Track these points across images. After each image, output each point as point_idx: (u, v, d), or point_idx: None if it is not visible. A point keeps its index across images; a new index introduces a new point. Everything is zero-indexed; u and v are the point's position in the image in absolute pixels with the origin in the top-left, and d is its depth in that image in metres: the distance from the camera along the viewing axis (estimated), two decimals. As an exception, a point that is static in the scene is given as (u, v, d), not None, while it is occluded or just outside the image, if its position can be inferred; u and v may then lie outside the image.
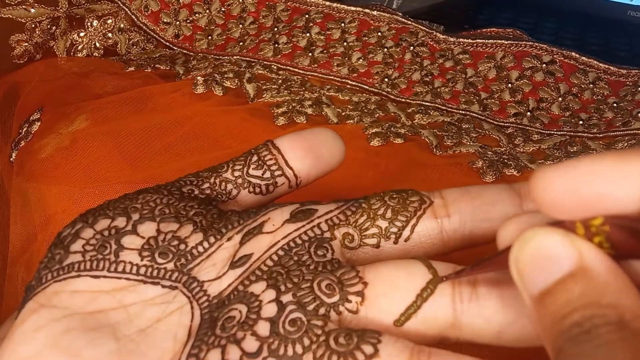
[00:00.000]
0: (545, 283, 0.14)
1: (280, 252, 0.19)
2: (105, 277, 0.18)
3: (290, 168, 0.22)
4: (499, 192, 0.19)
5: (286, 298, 0.17)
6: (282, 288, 0.18)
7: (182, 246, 0.19)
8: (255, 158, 0.22)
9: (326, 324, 0.17)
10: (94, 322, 0.17)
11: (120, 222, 0.19)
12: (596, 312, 0.13)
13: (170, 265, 0.19)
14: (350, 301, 0.17)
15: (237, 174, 0.22)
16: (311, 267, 0.18)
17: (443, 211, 0.19)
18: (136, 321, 0.18)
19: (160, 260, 0.19)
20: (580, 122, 0.42)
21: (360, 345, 0.16)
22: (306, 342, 0.16)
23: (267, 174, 0.22)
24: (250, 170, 0.22)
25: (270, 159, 0.22)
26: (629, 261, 0.14)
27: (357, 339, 0.16)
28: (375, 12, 0.48)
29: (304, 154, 0.22)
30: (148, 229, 0.19)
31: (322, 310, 0.17)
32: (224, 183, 0.22)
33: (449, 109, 0.43)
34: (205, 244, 0.19)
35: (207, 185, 0.22)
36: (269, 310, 0.17)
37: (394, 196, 0.20)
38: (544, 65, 0.44)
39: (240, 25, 0.50)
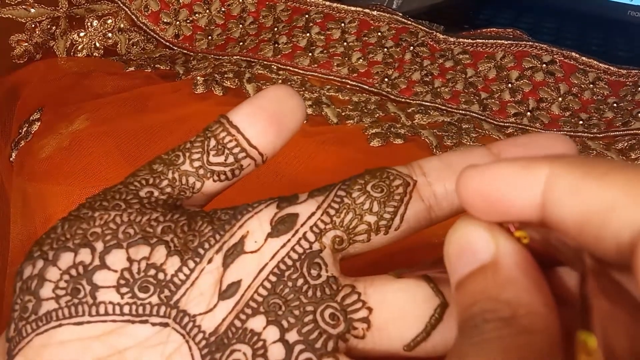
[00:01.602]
0: (462, 273, 0.14)
1: (272, 278, 0.17)
2: (88, 322, 0.17)
3: (254, 147, 0.20)
4: (482, 160, 0.18)
5: (292, 337, 0.17)
6: (285, 324, 0.17)
7: (161, 275, 0.17)
8: (213, 142, 0.20)
9: (338, 359, 0.16)
10: None
11: (85, 255, 0.18)
12: (491, 306, 0.13)
13: (155, 299, 0.17)
14: (356, 328, 0.17)
15: (196, 164, 0.19)
16: (309, 294, 0.17)
17: (428, 190, 0.18)
18: None
19: (142, 295, 0.17)
20: (580, 122, 0.42)
21: None
22: None
23: (231, 159, 0.19)
24: (211, 158, 0.19)
25: (230, 141, 0.19)
26: (557, 268, 0.15)
27: None
28: (375, 12, 0.48)
29: (266, 127, 0.19)
30: (117, 259, 0.18)
31: (330, 345, 0.17)
32: (184, 177, 0.19)
33: (449, 109, 0.43)
34: (186, 270, 0.18)
35: (166, 182, 0.19)
36: (276, 352, 0.16)
37: (377, 184, 0.18)
38: (544, 65, 0.44)
39: (240, 25, 0.50)
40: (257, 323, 0.17)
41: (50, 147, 0.36)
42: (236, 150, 0.20)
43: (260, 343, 0.16)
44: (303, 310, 0.17)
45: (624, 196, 0.12)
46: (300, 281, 0.17)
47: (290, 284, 0.17)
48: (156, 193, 0.19)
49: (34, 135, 0.38)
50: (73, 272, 0.17)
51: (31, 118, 0.39)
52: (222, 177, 0.20)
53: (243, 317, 0.17)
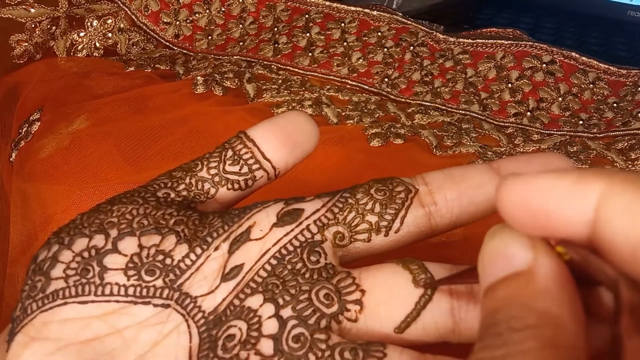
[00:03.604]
0: (494, 277, 0.14)
1: (273, 261, 0.18)
2: (93, 302, 0.17)
3: (268, 160, 0.21)
4: (482, 174, 0.19)
5: (286, 312, 0.17)
6: (280, 301, 0.17)
7: (168, 260, 0.18)
8: (230, 153, 0.21)
9: (329, 337, 0.17)
10: (90, 352, 0.17)
11: (99, 240, 0.18)
12: (519, 313, 0.13)
13: (159, 282, 0.18)
14: (349, 310, 0.17)
15: (213, 171, 0.21)
16: (306, 276, 0.18)
17: (429, 198, 0.19)
18: (133, 347, 0.17)
19: (147, 278, 0.18)
20: (580, 122, 0.42)
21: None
22: (312, 358, 0.16)
23: (245, 169, 0.21)
24: (227, 167, 0.21)
25: (246, 153, 0.21)
26: (597, 288, 0.14)
27: (363, 353, 0.16)
28: (375, 12, 0.48)
29: (280, 143, 0.21)
30: (129, 245, 0.18)
31: (323, 323, 0.17)
32: (200, 182, 0.21)
33: (449, 109, 0.43)
34: (192, 256, 0.18)
35: (182, 186, 0.21)
36: (270, 326, 0.17)
37: (380, 188, 0.19)
38: (544, 65, 0.44)
39: (240, 25, 0.50)
40: (254, 301, 0.17)
41: (50, 147, 0.36)
42: (251, 161, 0.21)
43: (256, 319, 0.17)
44: (299, 289, 0.17)
45: None
46: (299, 265, 0.18)
47: (289, 266, 0.18)
48: (172, 195, 0.20)
49: (34, 135, 0.38)
50: (85, 254, 0.18)
51: (31, 118, 0.39)
52: (236, 185, 0.21)
53: (242, 296, 0.18)
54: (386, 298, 0.17)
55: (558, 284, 0.13)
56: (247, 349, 0.16)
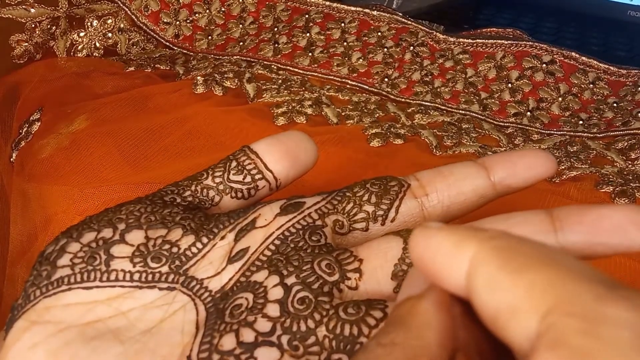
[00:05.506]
0: (401, 297, 0.15)
1: (277, 242, 0.19)
2: (97, 287, 0.18)
3: (270, 171, 0.22)
4: (467, 168, 0.21)
5: (290, 280, 0.18)
6: (285, 272, 0.18)
7: (175, 249, 0.19)
8: (234, 164, 0.22)
9: (332, 299, 0.17)
10: (93, 332, 0.17)
11: (107, 233, 0.19)
12: (393, 329, 0.14)
13: (165, 269, 0.18)
14: (349, 278, 0.18)
15: (217, 180, 0.22)
16: (308, 251, 0.19)
17: (421, 191, 0.21)
18: (138, 324, 0.17)
19: (153, 265, 0.18)
20: (580, 122, 0.42)
21: (369, 312, 0.16)
22: (317, 316, 0.17)
23: (248, 178, 0.22)
24: (231, 176, 0.22)
25: (250, 164, 0.22)
26: None
27: (366, 307, 0.17)
28: (375, 12, 0.48)
29: (281, 156, 0.22)
30: (136, 237, 0.19)
31: (326, 288, 0.18)
32: (205, 190, 0.22)
33: (449, 109, 0.43)
34: (199, 245, 0.19)
35: (188, 192, 0.22)
36: (276, 293, 0.17)
37: (375, 183, 0.21)
38: (544, 65, 0.44)
39: (240, 25, 0.50)
40: (260, 276, 0.18)
41: (51, 147, 0.36)
42: (254, 171, 0.22)
43: (262, 289, 0.18)
44: (302, 261, 0.18)
45: (526, 299, 0.12)
46: (301, 243, 0.19)
47: (292, 245, 0.19)
48: (178, 200, 0.21)
49: (34, 135, 0.38)
50: (93, 245, 0.19)
51: (31, 118, 0.39)
52: (239, 194, 0.22)
53: (248, 273, 0.18)
54: (382, 262, 0.18)
55: (439, 310, 0.14)
56: (254, 314, 0.17)
